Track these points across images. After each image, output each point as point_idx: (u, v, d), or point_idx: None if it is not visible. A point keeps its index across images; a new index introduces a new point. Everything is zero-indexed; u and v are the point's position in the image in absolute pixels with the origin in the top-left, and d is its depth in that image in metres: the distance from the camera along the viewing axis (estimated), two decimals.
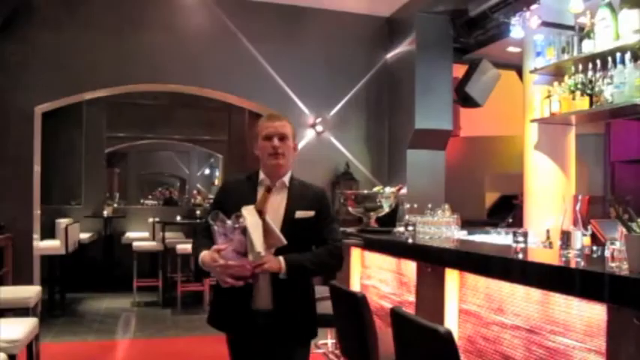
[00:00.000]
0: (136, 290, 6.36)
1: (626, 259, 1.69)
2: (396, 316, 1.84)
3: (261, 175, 2.16)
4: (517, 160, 4.60)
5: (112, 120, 8.79)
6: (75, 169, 7.90)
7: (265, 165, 2.14)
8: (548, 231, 3.33)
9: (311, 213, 2.11)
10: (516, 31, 4.19)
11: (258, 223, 1.97)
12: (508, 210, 6.38)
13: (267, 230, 1.98)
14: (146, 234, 7.39)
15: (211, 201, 3.26)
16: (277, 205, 2.10)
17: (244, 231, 1.95)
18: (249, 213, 1.97)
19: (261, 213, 1.99)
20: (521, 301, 2.20)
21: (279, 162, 2.10)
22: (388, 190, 3.71)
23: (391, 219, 3.54)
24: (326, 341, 3.92)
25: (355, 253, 3.72)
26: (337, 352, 3.47)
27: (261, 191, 2.11)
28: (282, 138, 2.10)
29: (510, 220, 5.48)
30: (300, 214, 2.10)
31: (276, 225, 2.03)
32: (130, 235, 7.41)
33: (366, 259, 3.65)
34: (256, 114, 5.98)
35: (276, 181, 2.13)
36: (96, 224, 7.65)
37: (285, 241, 1.98)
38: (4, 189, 5.05)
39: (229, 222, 1.96)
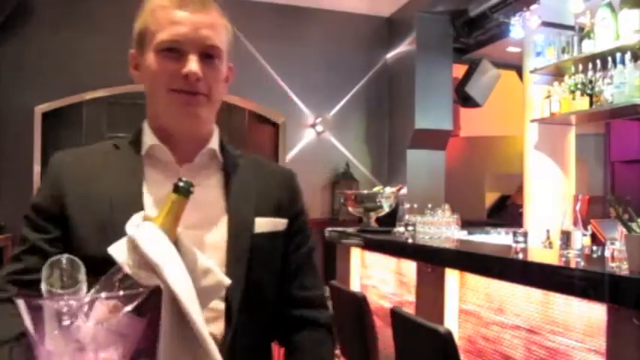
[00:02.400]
0: None
1: (626, 259, 1.69)
2: (396, 316, 1.84)
3: (150, 140, 1.02)
4: (517, 160, 4.60)
5: (112, 120, 8.78)
6: None
7: (163, 116, 1.01)
8: (548, 231, 3.33)
9: (280, 222, 1.07)
10: (516, 31, 4.19)
11: (176, 267, 0.82)
12: (513, 210, 6.39)
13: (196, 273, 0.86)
14: None
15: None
16: (201, 205, 0.98)
17: (140, 306, 0.75)
18: (159, 245, 0.82)
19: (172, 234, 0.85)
20: (521, 301, 2.20)
21: (197, 112, 0.98)
22: (388, 190, 3.71)
23: (391, 219, 3.54)
24: None
25: (355, 253, 3.72)
26: (337, 352, 3.47)
27: (163, 187, 0.95)
28: (209, 54, 0.98)
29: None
30: (262, 223, 1.04)
31: (212, 252, 0.97)
32: None
33: (366, 259, 3.64)
34: (256, 114, 5.98)
35: (193, 154, 1.03)
36: None
37: (227, 281, 0.90)
38: (4, 189, 5.05)
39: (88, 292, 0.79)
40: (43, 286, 0.78)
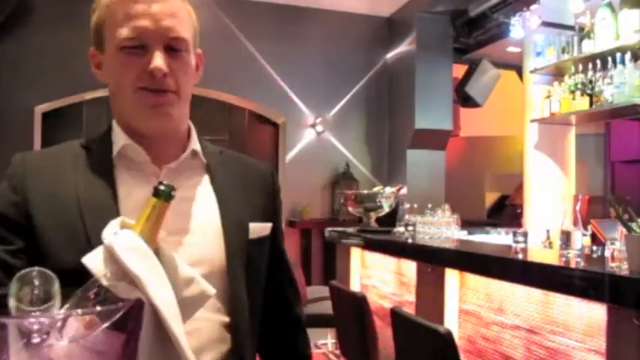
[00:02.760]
0: None
1: (626, 259, 1.69)
2: (396, 316, 1.84)
3: (122, 139, 0.95)
4: (517, 160, 4.60)
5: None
6: None
7: (130, 117, 0.94)
8: (548, 231, 3.33)
9: (267, 227, 1.03)
10: (516, 31, 4.19)
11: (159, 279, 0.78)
12: (510, 210, 6.40)
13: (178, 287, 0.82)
14: None
15: None
16: (189, 209, 0.94)
17: (119, 321, 0.67)
18: (140, 255, 0.77)
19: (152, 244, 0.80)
20: (521, 301, 2.20)
21: (167, 111, 0.92)
22: (388, 190, 3.71)
23: (391, 219, 3.54)
24: (326, 341, 3.92)
25: (355, 253, 3.72)
26: (337, 352, 3.47)
27: (139, 189, 0.90)
28: (174, 47, 0.91)
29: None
30: (255, 228, 0.99)
31: (207, 259, 0.92)
32: None
33: (366, 259, 3.64)
34: (256, 114, 5.98)
35: (170, 153, 0.96)
36: None
37: (211, 291, 0.85)
38: None
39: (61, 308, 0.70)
40: (11, 302, 0.69)
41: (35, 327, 0.64)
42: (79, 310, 0.69)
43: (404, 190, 4.47)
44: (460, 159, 6.95)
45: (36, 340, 0.64)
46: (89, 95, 5.83)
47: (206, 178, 0.99)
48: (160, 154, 0.95)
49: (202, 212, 0.94)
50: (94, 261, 0.75)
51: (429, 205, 3.16)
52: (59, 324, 0.65)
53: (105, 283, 0.72)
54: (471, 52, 5.84)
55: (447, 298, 2.60)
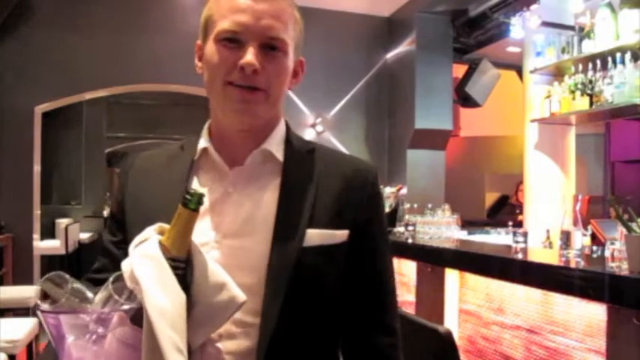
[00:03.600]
0: None
1: (626, 259, 1.69)
2: None
3: (203, 141, 0.98)
4: (517, 160, 4.60)
5: (112, 120, 8.80)
6: (75, 169, 7.90)
7: (218, 111, 0.95)
8: (548, 231, 3.33)
9: (338, 234, 0.92)
10: (516, 31, 4.19)
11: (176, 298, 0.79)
12: (508, 210, 6.39)
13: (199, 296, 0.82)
14: None
15: None
16: (250, 212, 0.92)
17: (137, 319, 0.79)
18: (148, 263, 0.80)
19: (181, 261, 0.81)
20: (521, 301, 2.19)
21: (253, 109, 0.91)
22: (388, 190, 3.71)
23: (391, 219, 3.54)
24: None
25: None
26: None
27: (211, 191, 0.94)
28: (272, 45, 0.91)
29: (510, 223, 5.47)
30: (315, 235, 0.90)
31: (253, 265, 0.89)
32: None
33: None
34: None
35: (246, 155, 0.94)
36: (96, 224, 7.65)
37: (242, 298, 0.82)
38: (4, 189, 5.05)
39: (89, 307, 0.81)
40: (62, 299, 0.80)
41: (87, 320, 0.77)
42: (107, 309, 0.79)
43: (404, 190, 4.47)
44: (460, 159, 6.95)
45: (87, 333, 0.77)
46: (89, 95, 5.83)
47: (277, 180, 0.94)
48: (236, 156, 0.94)
49: (260, 216, 0.91)
50: (126, 263, 0.82)
51: (429, 205, 3.16)
52: (103, 317, 0.77)
53: (129, 285, 0.79)
54: (471, 52, 5.84)
55: (447, 298, 2.60)
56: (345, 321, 0.95)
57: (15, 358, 2.65)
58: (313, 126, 5.88)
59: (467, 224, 3.60)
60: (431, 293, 2.71)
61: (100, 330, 0.77)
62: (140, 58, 5.42)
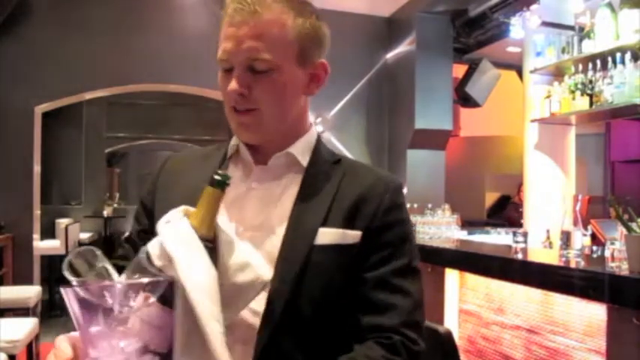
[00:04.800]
0: None
1: (626, 259, 1.69)
2: None
3: (234, 140, 1.04)
4: (517, 160, 4.60)
5: (112, 120, 8.80)
6: (75, 169, 7.90)
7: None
8: (548, 231, 3.33)
9: (350, 235, 0.94)
10: (516, 31, 4.19)
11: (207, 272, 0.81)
12: (504, 210, 6.40)
13: (228, 278, 0.84)
14: None
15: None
16: (268, 208, 0.96)
17: (165, 297, 0.79)
18: (179, 239, 0.82)
19: (208, 240, 0.83)
20: (521, 301, 2.19)
21: (250, 128, 0.96)
22: None
23: None
24: None
25: None
26: None
27: (237, 187, 0.97)
28: (254, 67, 0.92)
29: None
30: (327, 234, 0.93)
31: (265, 259, 0.91)
32: None
33: None
34: None
35: (267, 156, 1.00)
36: (96, 224, 7.65)
37: (267, 276, 0.87)
38: (4, 189, 5.05)
39: (116, 277, 0.81)
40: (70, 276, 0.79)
41: (111, 301, 0.75)
42: (124, 280, 0.78)
43: (404, 190, 4.47)
44: (460, 159, 6.95)
45: (109, 310, 0.75)
46: (89, 95, 5.83)
47: (298, 181, 0.98)
48: (263, 157, 1.00)
49: (277, 213, 0.95)
50: (153, 244, 0.82)
51: (429, 205, 3.16)
52: (128, 297, 0.75)
53: (157, 263, 0.80)
54: (471, 52, 5.84)
55: (447, 298, 2.60)
56: (348, 321, 0.95)
57: (15, 358, 2.65)
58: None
59: (467, 224, 3.59)
60: (431, 293, 2.71)
61: (125, 309, 0.75)
62: (140, 58, 5.42)
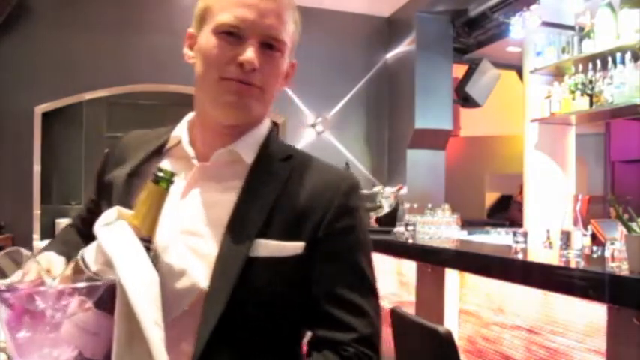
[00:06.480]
0: None
1: (626, 259, 1.69)
2: (396, 316, 1.84)
3: (178, 130, 0.97)
4: (517, 160, 4.60)
5: (112, 120, 8.80)
6: (75, 169, 7.90)
7: (209, 105, 0.91)
8: (548, 231, 3.33)
9: (291, 246, 0.87)
10: (516, 31, 4.19)
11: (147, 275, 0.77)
12: (507, 210, 6.40)
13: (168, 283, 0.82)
14: None
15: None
16: (206, 210, 0.90)
17: (102, 302, 0.74)
18: (119, 241, 0.77)
19: (148, 241, 0.80)
20: (521, 301, 2.20)
21: (248, 104, 0.89)
22: (388, 190, 3.71)
23: (391, 219, 3.54)
24: None
25: None
26: None
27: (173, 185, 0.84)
28: (271, 45, 0.89)
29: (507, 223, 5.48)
30: (264, 246, 0.86)
31: (200, 266, 0.86)
32: None
33: None
34: None
35: (213, 149, 0.92)
36: None
37: (203, 285, 0.84)
38: (4, 189, 5.05)
39: (49, 281, 0.76)
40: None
41: (44, 305, 0.69)
42: (58, 284, 0.73)
43: (404, 190, 4.47)
44: (460, 159, 6.95)
45: (41, 314, 0.68)
46: (89, 95, 5.83)
47: (240, 183, 0.90)
48: (210, 152, 0.92)
49: (215, 218, 0.88)
50: (89, 251, 0.77)
51: (429, 205, 3.17)
52: (62, 301, 0.70)
53: (93, 267, 0.74)
54: (471, 52, 5.84)
55: (447, 298, 2.60)
56: (295, 329, 0.91)
57: None
58: (313, 126, 5.88)
59: (467, 224, 3.60)
60: (431, 293, 2.71)
61: (58, 315, 0.69)
62: (140, 58, 5.42)
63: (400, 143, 5.76)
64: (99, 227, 0.79)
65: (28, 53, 5.10)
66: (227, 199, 0.89)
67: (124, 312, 0.73)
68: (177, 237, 0.86)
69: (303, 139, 5.82)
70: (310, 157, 0.97)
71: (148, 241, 0.78)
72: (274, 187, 0.89)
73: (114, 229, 0.78)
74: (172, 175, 0.79)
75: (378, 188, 3.80)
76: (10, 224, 5.00)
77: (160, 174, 0.78)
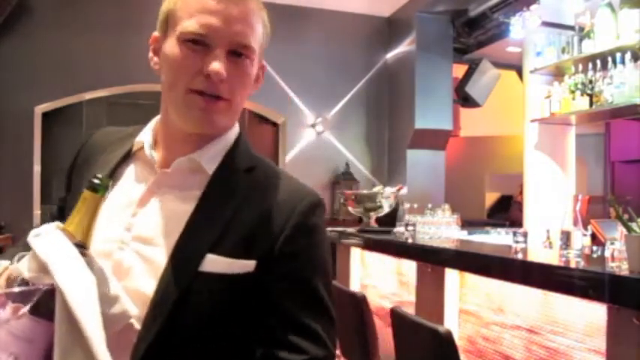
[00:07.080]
0: None
1: (626, 259, 1.69)
2: (396, 316, 1.84)
3: (143, 134, 0.94)
4: (517, 160, 4.60)
5: (112, 120, 8.78)
6: None
7: (176, 115, 0.88)
8: (548, 231, 3.33)
9: (242, 264, 0.84)
10: (516, 31, 4.19)
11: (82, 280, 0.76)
12: (508, 210, 6.40)
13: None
14: None
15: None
16: (161, 219, 0.87)
17: (38, 308, 0.73)
18: (53, 247, 0.76)
19: (84, 247, 0.79)
20: (521, 301, 2.20)
21: (214, 119, 0.87)
22: (388, 190, 3.71)
23: (391, 219, 3.54)
24: None
25: (355, 253, 3.72)
26: (337, 352, 3.46)
27: (133, 187, 0.91)
28: (239, 53, 0.86)
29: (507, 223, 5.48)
30: (215, 262, 0.83)
31: (147, 276, 0.84)
32: None
33: (366, 259, 3.64)
34: (256, 114, 5.98)
35: (172, 157, 0.90)
36: None
37: (131, 314, 0.81)
38: (4, 189, 5.05)
39: None
40: None
41: None
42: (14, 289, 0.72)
43: (404, 190, 4.47)
44: (460, 159, 6.95)
45: None
46: (89, 95, 5.84)
47: (198, 194, 0.87)
48: (172, 158, 0.89)
49: (169, 228, 0.85)
50: (22, 263, 0.76)
51: (429, 205, 3.16)
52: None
53: (27, 275, 0.73)
54: (471, 52, 5.85)
55: (447, 298, 2.60)
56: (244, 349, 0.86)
57: None
58: (313, 126, 5.88)
59: (467, 224, 3.60)
60: (431, 293, 2.71)
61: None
62: (140, 58, 5.36)
63: (400, 143, 5.76)
64: (31, 237, 0.77)
65: (28, 53, 5.10)
66: (185, 209, 0.86)
67: (64, 316, 0.71)
68: (127, 242, 0.85)
69: (303, 139, 5.82)
70: (275, 171, 0.94)
71: (82, 247, 0.78)
72: (232, 200, 0.86)
73: (47, 237, 0.77)
74: (107, 182, 0.81)
75: (378, 188, 3.80)
76: (10, 224, 5.01)
77: (97, 181, 0.79)
